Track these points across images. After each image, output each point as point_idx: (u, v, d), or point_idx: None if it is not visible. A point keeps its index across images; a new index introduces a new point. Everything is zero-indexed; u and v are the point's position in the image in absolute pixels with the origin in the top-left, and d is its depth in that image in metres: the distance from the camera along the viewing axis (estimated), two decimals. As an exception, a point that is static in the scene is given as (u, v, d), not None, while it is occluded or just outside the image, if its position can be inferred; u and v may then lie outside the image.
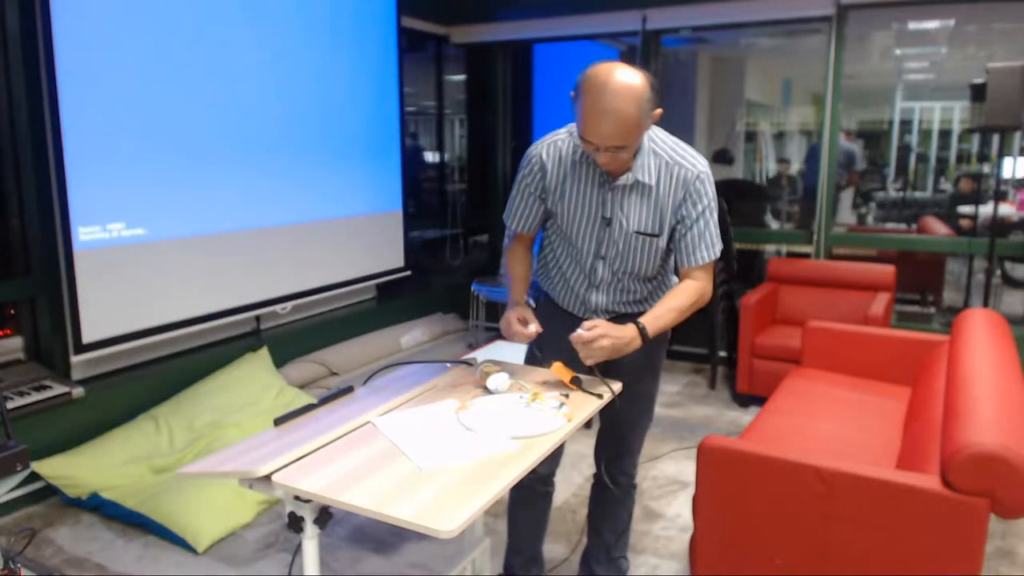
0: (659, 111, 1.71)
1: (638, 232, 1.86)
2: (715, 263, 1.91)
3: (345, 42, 4.23)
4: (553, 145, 1.89)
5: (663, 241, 1.88)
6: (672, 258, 1.98)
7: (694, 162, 1.83)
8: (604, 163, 1.74)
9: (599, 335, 1.70)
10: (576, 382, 1.79)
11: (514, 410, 1.67)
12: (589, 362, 1.73)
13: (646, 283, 1.97)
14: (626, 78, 1.63)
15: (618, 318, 1.98)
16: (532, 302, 2.08)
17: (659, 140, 1.84)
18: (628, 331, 1.74)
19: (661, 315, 1.81)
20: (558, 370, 1.80)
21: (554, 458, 2.14)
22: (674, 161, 1.82)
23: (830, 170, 4.44)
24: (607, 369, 1.84)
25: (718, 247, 1.87)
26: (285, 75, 3.83)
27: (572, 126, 1.87)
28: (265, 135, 3.75)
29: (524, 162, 1.94)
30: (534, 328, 1.85)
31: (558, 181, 1.89)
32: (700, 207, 1.82)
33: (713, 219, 1.85)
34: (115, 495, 2.79)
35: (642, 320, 1.77)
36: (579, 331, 1.72)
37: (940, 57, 6.29)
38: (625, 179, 1.81)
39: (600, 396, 1.75)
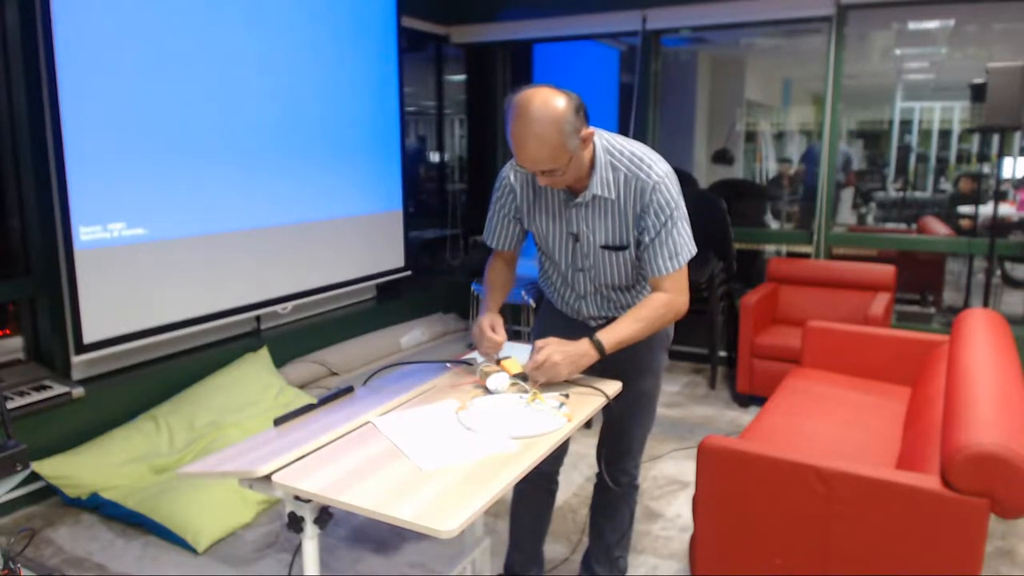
0: (589, 131, 1.71)
1: (604, 247, 1.87)
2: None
3: (345, 42, 4.23)
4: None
5: (631, 253, 1.87)
6: None
7: (650, 172, 1.78)
8: (546, 183, 1.75)
9: (546, 356, 1.73)
10: (521, 377, 1.78)
11: (514, 410, 1.67)
12: (543, 380, 1.75)
13: (627, 292, 1.98)
14: (545, 103, 1.62)
15: (611, 324, 1.99)
16: (532, 302, 2.09)
17: (617, 152, 1.81)
18: (580, 346, 1.76)
19: (620, 328, 1.81)
20: (506, 366, 1.81)
21: (557, 456, 2.15)
22: (632, 173, 1.79)
23: (830, 170, 4.44)
24: (605, 369, 1.84)
25: (683, 257, 1.83)
26: (285, 75, 3.83)
27: None
28: (265, 135, 3.75)
29: (497, 183, 1.96)
30: (500, 337, 1.85)
31: (528, 201, 1.92)
32: (663, 217, 1.79)
33: (677, 228, 1.80)
34: (115, 495, 2.79)
35: (599, 334, 1.78)
36: (529, 362, 1.76)
37: (940, 57, 6.29)
38: (584, 196, 1.81)
39: (567, 396, 1.75)
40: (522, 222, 1.97)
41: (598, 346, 1.77)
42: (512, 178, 1.92)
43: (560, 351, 1.75)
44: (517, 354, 1.87)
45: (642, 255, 1.85)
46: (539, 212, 1.91)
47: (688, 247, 1.84)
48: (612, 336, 1.78)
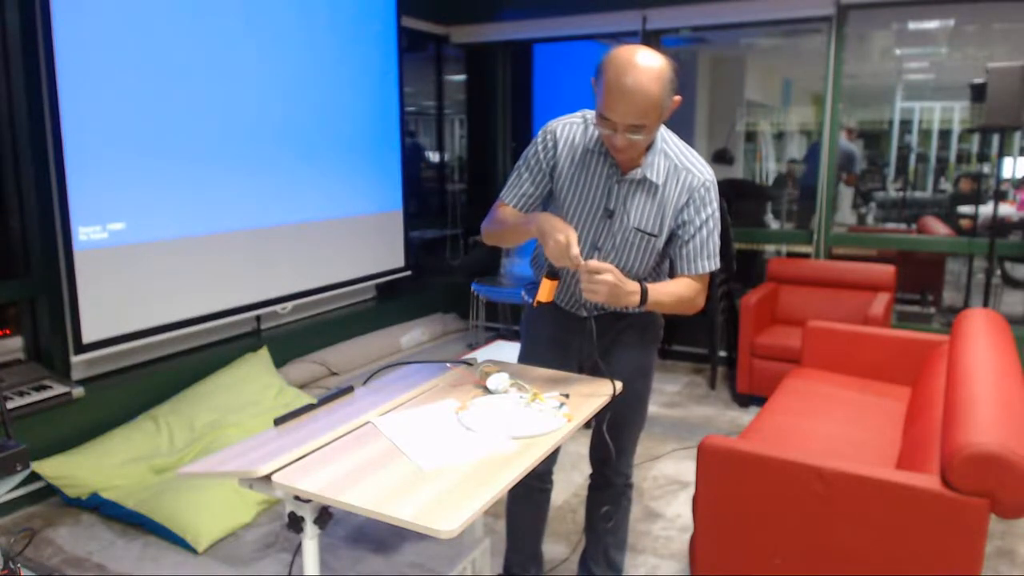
0: (678, 98, 1.71)
1: (638, 229, 1.86)
2: (711, 275, 1.91)
3: (345, 42, 4.23)
4: (570, 126, 1.88)
5: (660, 243, 1.88)
6: (664, 264, 1.99)
7: (702, 169, 1.84)
8: (620, 147, 1.71)
9: (605, 269, 1.66)
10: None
11: (514, 410, 1.67)
12: (588, 296, 1.69)
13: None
14: (650, 58, 1.65)
15: (610, 317, 1.98)
16: (528, 297, 2.08)
17: (671, 142, 1.85)
18: (632, 285, 1.72)
19: (662, 291, 1.80)
20: (547, 284, 1.77)
21: (551, 455, 2.14)
22: (682, 165, 1.83)
23: (830, 170, 4.44)
24: (599, 372, 1.85)
25: (717, 260, 1.87)
26: (285, 75, 3.83)
27: (587, 112, 1.88)
28: (265, 135, 3.75)
29: (539, 136, 1.91)
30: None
31: (567, 164, 1.88)
32: (704, 215, 1.83)
33: (716, 231, 1.86)
34: (115, 495, 2.79)
35: (649, 286, 1.77)
36: (591, 261, 1.68)
37: (940, 57, 6.28)
38: (633, 174, 1.81)
39: (567, 396, 1.72)
40: (552, 184, 1.91)
41: (643, 296, 1.74)
42: (559, 132, 1.88)
43: (616, 278, 1.67)
44: (510, 354, 1.86)
45: (680, 251, 1.86)
46: (576, 180, 1.87)
47: (718, 254, 1.88)
48: (655, 295, 1.77)
